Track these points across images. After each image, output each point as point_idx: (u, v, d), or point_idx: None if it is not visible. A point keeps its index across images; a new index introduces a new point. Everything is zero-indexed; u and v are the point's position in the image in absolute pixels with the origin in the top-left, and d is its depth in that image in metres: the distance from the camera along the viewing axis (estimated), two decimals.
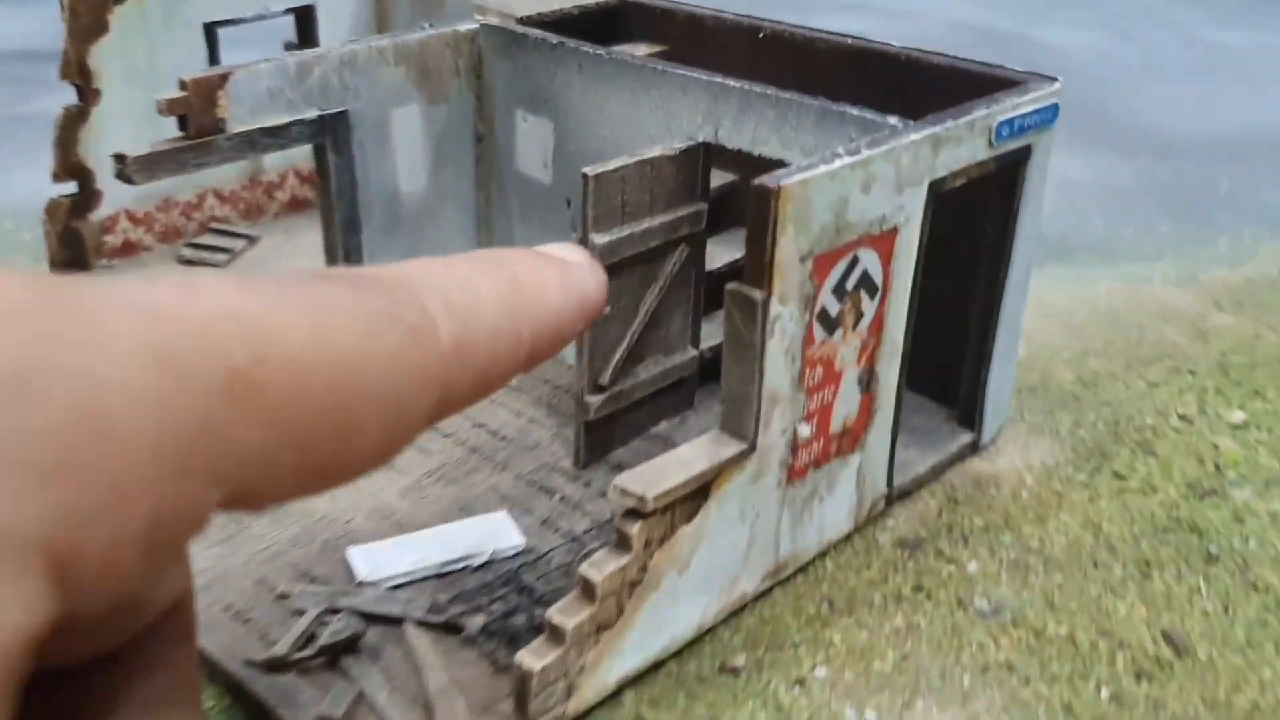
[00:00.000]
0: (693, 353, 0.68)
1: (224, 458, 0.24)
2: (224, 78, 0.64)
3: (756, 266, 0.50)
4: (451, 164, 0.75)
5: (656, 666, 0.54)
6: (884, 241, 0.55)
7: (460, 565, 0.58)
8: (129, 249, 0.88)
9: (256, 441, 0.24)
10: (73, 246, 0.86)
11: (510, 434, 0.68)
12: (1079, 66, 1.41)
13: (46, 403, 0.21)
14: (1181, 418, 0.74)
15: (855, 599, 0.59)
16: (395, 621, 0.53)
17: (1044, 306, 0.88)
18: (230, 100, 0.64)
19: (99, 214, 0.86)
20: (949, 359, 0.69)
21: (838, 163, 0.51)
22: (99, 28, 0.82)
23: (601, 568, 0.49)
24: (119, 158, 0.61)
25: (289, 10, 0.91)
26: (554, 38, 0.70)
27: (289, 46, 0.94)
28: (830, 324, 0.54)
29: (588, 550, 0.58)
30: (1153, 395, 0.76)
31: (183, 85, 0.63)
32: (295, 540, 0.59)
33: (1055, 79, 0.63)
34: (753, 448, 0.53)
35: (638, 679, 0.53)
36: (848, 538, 0.63)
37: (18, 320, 0.24)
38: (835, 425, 0.58)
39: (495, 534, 0.60)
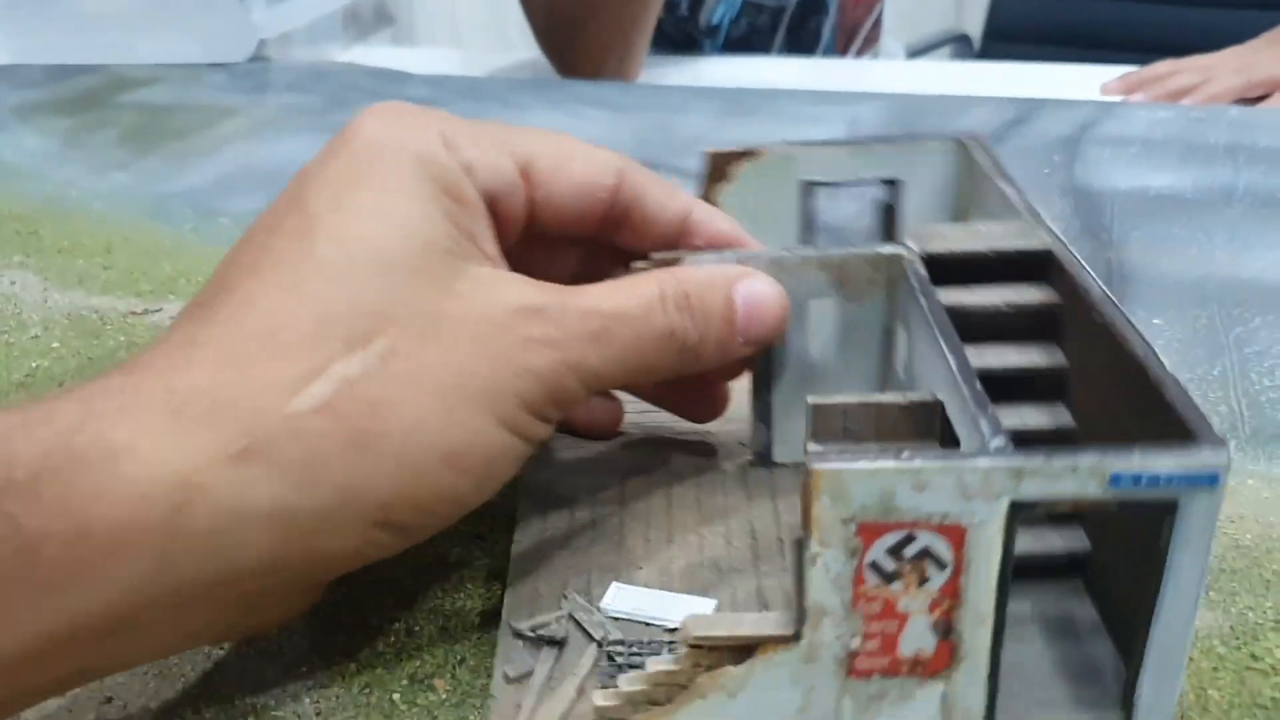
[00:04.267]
0: None
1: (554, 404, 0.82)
2: (677, 260, 0.95)
3: (804, 512, 0.70)
4: (862, 348, 0.98)
5: None
6: (950, 531, 0.69)
7: (652, 623, 0.85)
8: None
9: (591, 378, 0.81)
10: None
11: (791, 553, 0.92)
12: None
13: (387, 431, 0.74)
14: None
15: None
16: (586, 635, 0.84)
17: None
18: None
19: None
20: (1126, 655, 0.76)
21: (879, 463, 0.67)
22: (724, 177, 1.18)
23: (657, 664, 0.75)
24: None
25: (879, 180, 1.17)
26: (916, 284, 0.89)
27: (877, 205, 1.20)
28: (886, 576, 0.71)
29: None
30: None
31: (656, 264, 0.95)
32: (607, 568, 0.92)
33: (1224, 442, 0.67)
34: (797, 637, 0.73)
35: None
36: None
37: (407, 323, 0.75)
38: (905, 650, 0.73)
39: (696, 611, 0.86)
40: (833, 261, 0.95)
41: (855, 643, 0.73)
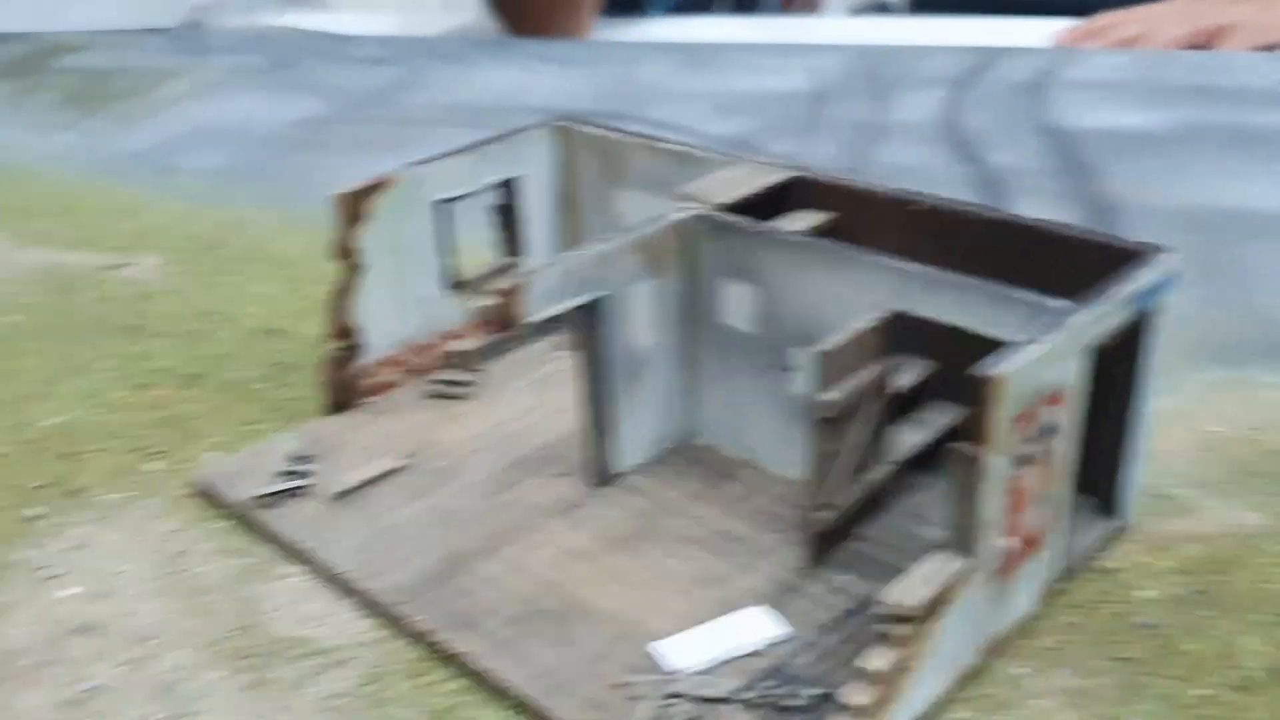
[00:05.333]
0: (886, 467, 0.86)
1: None
2: (522, 285, 0.82)
3: (977, 431, 0.68)
4: (669, 320, 0.94)
5: None
6: (1059, 397, 0.73)
7: (742, 653, 0.76)
8: (383, 387, 1.07)
9: None
10: (342, 391, 1.05)
11: (746, 539, 0.87)
12: None
13: None
14: None
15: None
16: (719, 701, 0.72)
17: None
18: (526, 300, 0.83)
19: (361, 362, 1.05)
20: (1095, 462, 0.86)
21: (1029, 352, 0.69)
22: (361, 216, 1.01)
23: (878, 657, 0.68)
24: (461, 354, 0.80)
25: (497, 184, 1.10)
26: (757, 225, 0.89)
27: (494, 209, 1.13)
28: (1024, 462, 0.72)
29: (837, 640, 0.77)
30: None
31: (495, 293, 0.81)
32: (613, 640, 0.78)
33: (1172, 249, 0.81)
34: (975, 562, 0.71)
35: None
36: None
37: None
38: (1028, 534, 0.76)
39: (761, 625, 0.78)
40: (645, 240, 0.90)
41: (1004, 543, 0.73)
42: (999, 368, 0.67)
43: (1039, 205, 1.44)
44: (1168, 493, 0.93)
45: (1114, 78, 1.86)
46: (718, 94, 1.90)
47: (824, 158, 1.62)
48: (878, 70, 1.97)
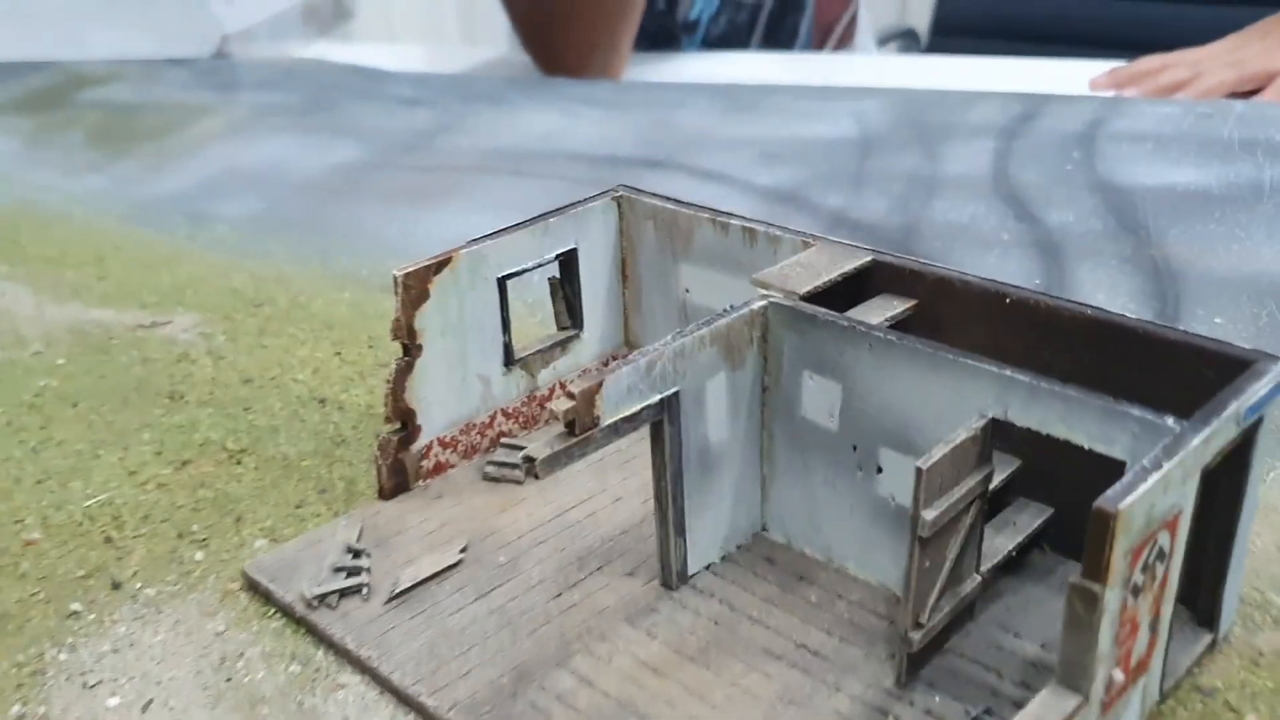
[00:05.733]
0: (977, 578, 0.82)
1: None
2: (599, 385, 0.79)
3: (1096, 566, 0.64)
4: (744, 412, 0.90)
5: None
6: (1171, 524, 0.69)
7: None
8: (440, 469, 1.04)
9: None
10: (399, 474, 1.01)
11: (829, 653, 0.83)
12: None
13: None
14: None
15: None
16: None
17: None
18: (603, 401, 0.79)
19: (417, 445, 1.02)
20: (1193, 574, 0.82)
21: (1150, 480, 0.65)
22: (423, 296, 0.98)
23: None
24: (529, 459, 0.77)
25: (557, 257, 1.07)
26: (843, 319, 0.85)
27: (553, 281, 1.09)
28: (1137, 591, 0.68)
29: None
30: None
31: (571, 395, 0.78)
32: None
33: (1278, 357, 0.77)
34: (1087, 699, 0.67)
35: None
36: None
37: None
38: (1134, 662, 0.72)
39: None
40: (720, 331, 0.86)
41: (1116, 675, 0.69)
42: (1122, 502, 0.63)
43: (1099, 269, 1.40)
44: (1260, 598, 0.88)
45: (1164, 130, 1.82)
46: (762, 141, 1.87)
47: (875, 213, 1.59)
48: (923, 117, 1.93)
